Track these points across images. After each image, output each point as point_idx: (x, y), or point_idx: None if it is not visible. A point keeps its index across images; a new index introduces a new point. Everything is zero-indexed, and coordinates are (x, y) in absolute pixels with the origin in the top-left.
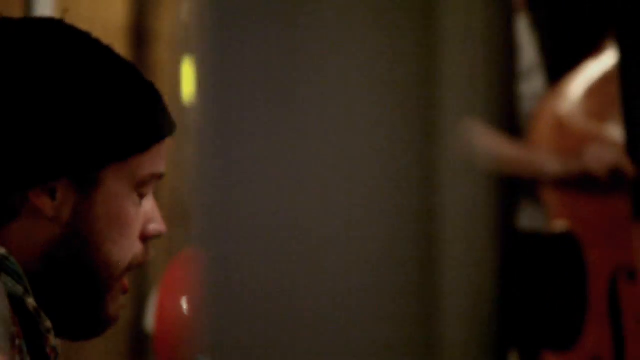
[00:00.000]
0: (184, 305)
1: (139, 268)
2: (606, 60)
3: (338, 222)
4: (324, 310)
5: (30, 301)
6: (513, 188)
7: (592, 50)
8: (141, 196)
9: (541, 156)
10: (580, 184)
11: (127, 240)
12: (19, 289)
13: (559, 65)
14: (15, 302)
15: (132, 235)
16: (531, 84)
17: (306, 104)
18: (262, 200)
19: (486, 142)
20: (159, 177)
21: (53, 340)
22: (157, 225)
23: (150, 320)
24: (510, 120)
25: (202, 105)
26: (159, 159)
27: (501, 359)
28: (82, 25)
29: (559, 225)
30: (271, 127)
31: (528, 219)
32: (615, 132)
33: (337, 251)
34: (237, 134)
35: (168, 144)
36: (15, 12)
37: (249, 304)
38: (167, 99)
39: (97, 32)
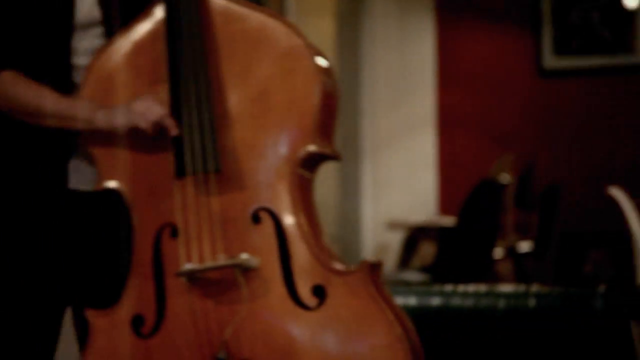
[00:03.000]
0: None
1: None
2: (156, 17)
3: None
4: None
5: None
6: (62, 146)
7: (145, 6)
8: None
9: (89, 107)
10: (127, 138)
11: None
12: None
13: (116, 20)
14: None
15: None
16: (87, 40)
17: None
18: None
19: (23, 92)
20: None
21: None
22: None
23: None
24: (63, 74)
25: None
26: None
27: (57, 318)
28: None
29: (106, 183)
30: None
31: (80, 177)
32: (163, 89)
33: None
34: None
35: None
36: None
37: None
38: None
39: None
